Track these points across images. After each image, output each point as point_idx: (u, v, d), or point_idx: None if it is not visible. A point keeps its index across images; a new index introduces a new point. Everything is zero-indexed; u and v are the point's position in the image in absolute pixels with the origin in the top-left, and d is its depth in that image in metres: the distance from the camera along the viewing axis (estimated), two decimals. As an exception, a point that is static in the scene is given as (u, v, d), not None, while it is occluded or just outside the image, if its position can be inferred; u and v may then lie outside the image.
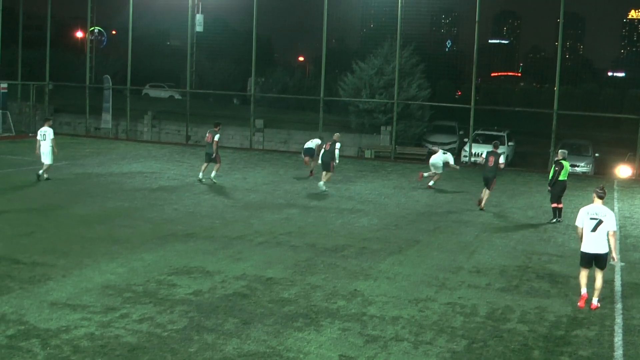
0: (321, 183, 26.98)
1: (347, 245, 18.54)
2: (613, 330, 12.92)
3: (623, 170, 36.26)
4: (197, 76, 48.08)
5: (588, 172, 37.10)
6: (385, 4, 46.01)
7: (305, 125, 45.40)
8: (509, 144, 41.81)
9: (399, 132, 41.76)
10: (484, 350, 11.66)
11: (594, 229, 13.97)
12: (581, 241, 14.27)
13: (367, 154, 41.37)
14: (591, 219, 14.04)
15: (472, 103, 39.22)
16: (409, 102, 43.59)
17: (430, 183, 29.04)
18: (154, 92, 67.40)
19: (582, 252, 14.21)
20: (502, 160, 24.54)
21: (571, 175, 24.24)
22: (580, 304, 14.13)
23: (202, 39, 47.79)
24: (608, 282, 15.79)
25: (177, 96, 63.39)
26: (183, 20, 45.19)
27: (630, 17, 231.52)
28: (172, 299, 13.44)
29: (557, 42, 39.05)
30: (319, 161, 27.92)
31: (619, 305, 14.37)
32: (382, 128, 43.26)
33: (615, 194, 29.57)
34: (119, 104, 46.54)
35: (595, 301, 14.09)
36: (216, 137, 27.56)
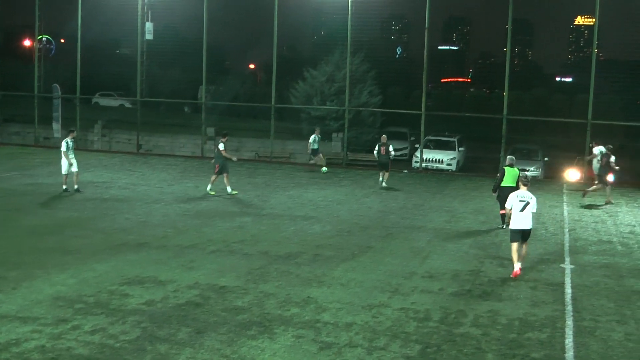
0: (384, 183, 31.13)
1: (300, 252, 18.55)
2: (564, 332, 13.09)
3: (572, 174, 36.67)
4: (148, 84, 47.62)
5: (538, 176, 37.42)
6: (335, 12, 46.17)
7: (256, 132, 45.33)
8: (460, 149, 42.11)
9: (351, 139, 41.87)
10: (437, 355, 11.73)
11: (523, 210, 17.02)
12: (507, 219, 18.36)
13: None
14: (520, 201, 17.09)
15: (423, 109, 39.42)
16: (361, 108, 43.83)
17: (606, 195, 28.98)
18: (104, 101, 66.80)
19: (512, 230, 17.15)
20: (612, 159, 28.15)
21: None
22: (514, 274, 16.79)
23: (152, 47, 47.34)
24: (559, 285, 16.11)
25: (127, 105, 62.80)
26: (133, 29, 44.81)
27: (577, 23, 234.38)
28: (124, 310, 13.32)
29: (506, 47, 39.42)
30: (379, 161, 31.66)
31: (569, 308, 14.56)
32: (334, 135, 43.38)
33: (565, 198, 29.95)
34: (68, 113, 45.89)
35: (517, 267, 16.84)
36: (220, 146, 27.47)
